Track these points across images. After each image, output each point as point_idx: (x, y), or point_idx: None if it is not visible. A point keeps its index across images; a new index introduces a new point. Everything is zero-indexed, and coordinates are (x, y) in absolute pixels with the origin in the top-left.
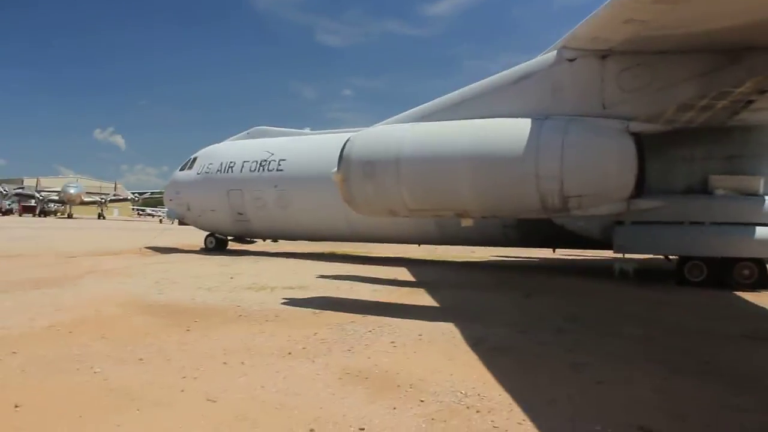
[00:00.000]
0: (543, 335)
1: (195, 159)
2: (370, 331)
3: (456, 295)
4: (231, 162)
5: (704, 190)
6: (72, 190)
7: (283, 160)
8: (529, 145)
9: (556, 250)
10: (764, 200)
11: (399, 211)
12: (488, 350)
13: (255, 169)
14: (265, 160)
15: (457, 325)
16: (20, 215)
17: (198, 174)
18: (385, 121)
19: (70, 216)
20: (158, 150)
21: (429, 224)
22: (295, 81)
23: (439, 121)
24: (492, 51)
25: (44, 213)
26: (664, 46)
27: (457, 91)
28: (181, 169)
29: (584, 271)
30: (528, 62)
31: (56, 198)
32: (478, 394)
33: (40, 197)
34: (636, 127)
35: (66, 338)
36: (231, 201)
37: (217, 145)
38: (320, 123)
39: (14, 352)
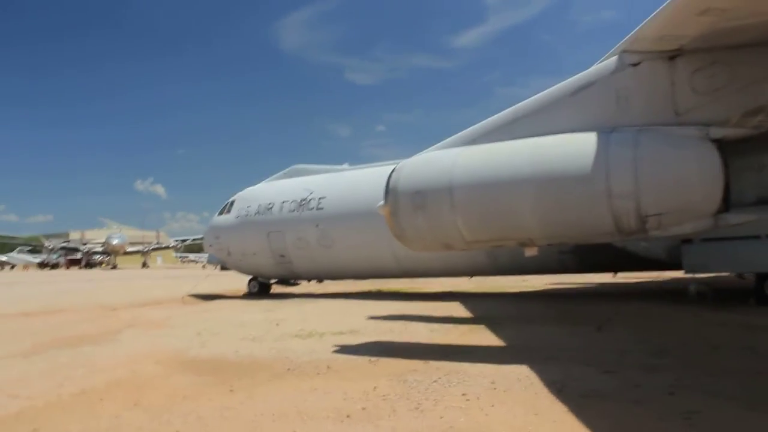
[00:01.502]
0: (633, 375)
1: (233, 202)
2: (435, 382)
3: (520, 331)
4: (269, 203)
5: None
6: (115, 241)
7: (323, 197)
8: (598, 161)
9: (617, 274)
10: None
11: (455, 244)
12: (577, 398)
13: (294, 209)
14: (305, 199)
15: (532, 367)
16: (67, 268)
17: (237, 217)
18: (432, 147)
19: (114, 267)
20: (198, 196)
21: (480, 255)
22: (328, 120)
23: (491, 142)
24: (521, 76)
25: (89, 265)
26: (742, 39)
27: (508, 110)
28: (220, 214)
29: (650, 296)
30: (586, 71)
31: (100, 249)
32: None
33: (85, 250)
34: (717, 132)
35: (96, 407)
36: (272, 243)
37: (254, 186)
38: (357, 159)
39: (35, 430)
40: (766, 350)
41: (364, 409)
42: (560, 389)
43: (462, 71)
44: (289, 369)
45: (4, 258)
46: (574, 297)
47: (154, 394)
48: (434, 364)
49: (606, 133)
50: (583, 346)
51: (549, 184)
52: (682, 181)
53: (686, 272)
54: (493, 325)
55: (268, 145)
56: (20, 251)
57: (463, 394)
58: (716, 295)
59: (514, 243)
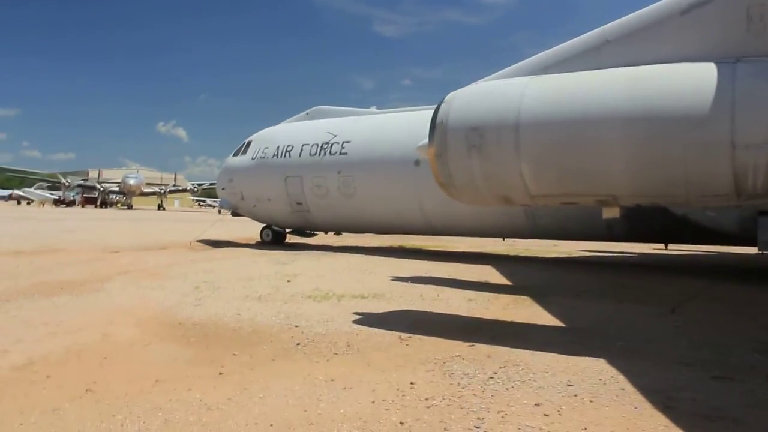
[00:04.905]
0: (757, 385)
1: (249, 143)
2: (491, 378)
3: (576, 308)
4: (288, 145)
5: None
6: (131, 181)
7: (348, 142)
8: (719, 99)
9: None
10: None
11: (516, 198)
12: (701, 422)
13: (315, 153)
14: (327, 143)
15: (612, 363)
16: (82, 206)
17: (252, 159)
18: (490, 77)
19: (129, 207)
20: (219, 141)
21: (518, 215)
22: (353, 72)
23: (570, 72)
24: (551, 38)
25: (105, 204)
26: None
27: (592, 32)
28: (235, 155)
29: (708, 272)
30: None
31: (117, 189)
32: None
33: (101, 188)
34: None
35: (34, 391)
36: (289, 189)
37: (273, 127)
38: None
39: None
40: None
41: (402, 423)
42: (665, 403)
43: (491, 28)
44: (298, 344)
45: (21, 193)
46: (617, 267)
47: (118, 374)
48: (483, 349)
49: (730, 63)
50: (665, 335)
51: (649, 127)
52: None
53: (760, 249)
54: (540, 298)
55: (290, 93)
56: (39, 187)
57: (537, 405)
58: None
59: (592, 200)
